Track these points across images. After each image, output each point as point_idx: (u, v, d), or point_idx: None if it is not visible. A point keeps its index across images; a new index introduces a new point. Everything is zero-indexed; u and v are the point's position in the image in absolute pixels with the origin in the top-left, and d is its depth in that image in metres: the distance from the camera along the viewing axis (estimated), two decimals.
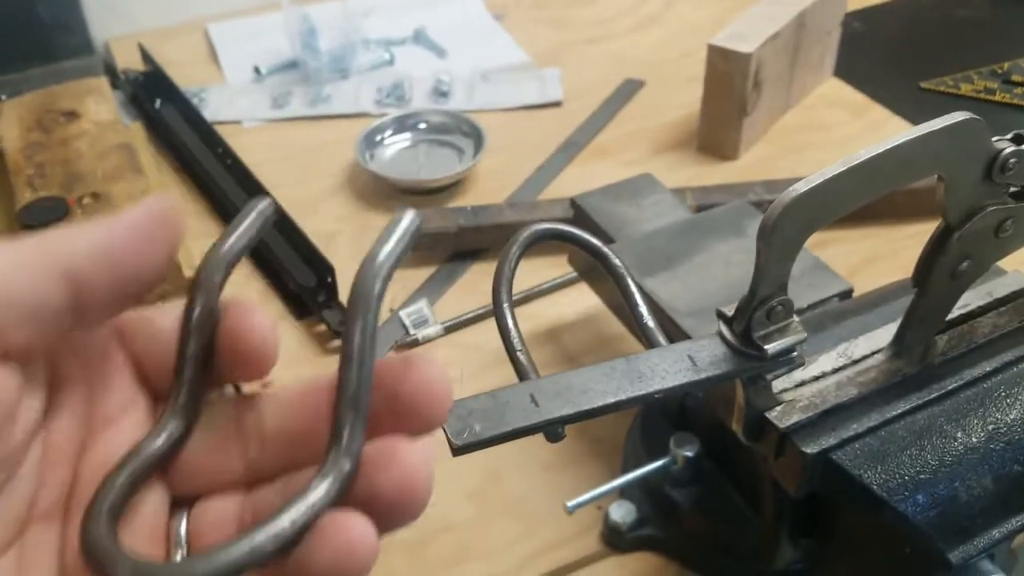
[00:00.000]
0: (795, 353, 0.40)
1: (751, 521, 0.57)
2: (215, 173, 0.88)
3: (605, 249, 0.42)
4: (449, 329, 0.75)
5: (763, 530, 0.55)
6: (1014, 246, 0.44)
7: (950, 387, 0.45)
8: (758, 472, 0.53)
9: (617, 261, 0.41)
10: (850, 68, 1.02)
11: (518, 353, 0.40)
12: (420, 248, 0.80)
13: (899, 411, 0.44)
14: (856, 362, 0.46)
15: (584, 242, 0.42)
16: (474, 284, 0.79)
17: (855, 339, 0.47)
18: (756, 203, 0.79)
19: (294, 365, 0.73)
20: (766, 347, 0.39)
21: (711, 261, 0.60)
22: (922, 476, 0.43)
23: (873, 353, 0.46)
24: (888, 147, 0.36)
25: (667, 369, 0.38)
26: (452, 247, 0.81)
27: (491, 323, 0.75)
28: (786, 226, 0.36)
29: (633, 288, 0.41)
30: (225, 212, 0.87)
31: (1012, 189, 0.42)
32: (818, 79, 1.00)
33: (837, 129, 0.96)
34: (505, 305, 0.41)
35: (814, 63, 0.97)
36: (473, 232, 0.80)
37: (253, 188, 0.86)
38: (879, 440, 0.43)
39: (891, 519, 0.43)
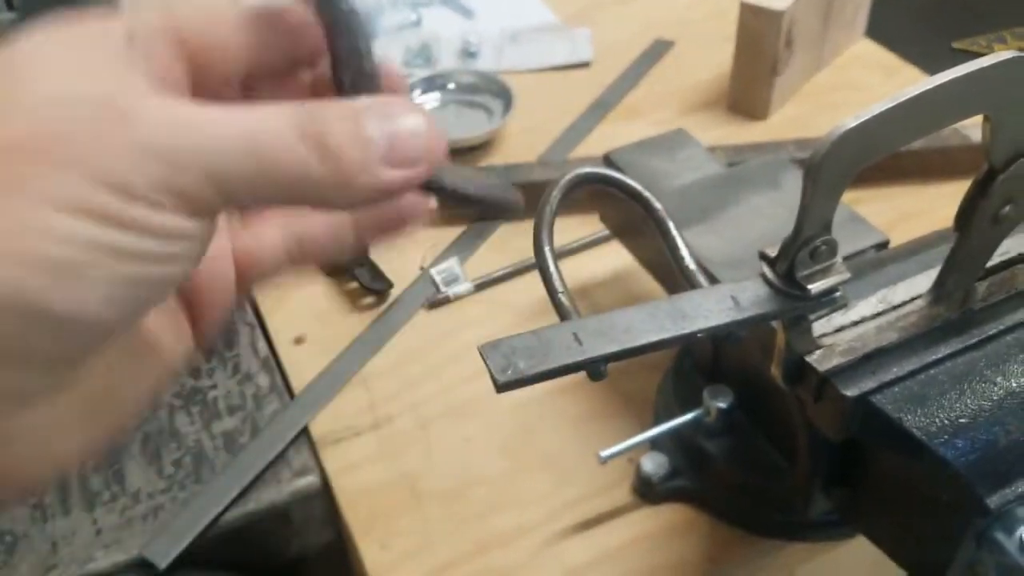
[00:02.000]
0: (838, 293, 0.40)
1: (784, 471, 0.57)
2: None
3: (646, 193, 0.42)
4: (480, 287, 0.75)
5: (797, 479, 0.55)
6: None
7: (991, 332, 0.45)
8: (793, 421, 0.53)
9: (658, 205, 0.41)
10: (882, 28, 1.01)
11: (560, 295, 0.40)
12: (450, 206, 0.80)
13: (939, 355, 0.44)
14: (896, 307, 0.46)
15: (625, 186, 0.42)
16: (505, 242, 0.79)
17: (894, 285, 0.47)
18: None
19: (325, 321, 0.74)
20: (809, 287, 0.39)
21: (746, 213, 0.60)
22: (961, 420, 0.43)
23: (913, 299, 0.46)
24: (937, 83, 0.36)
25: (710, 308, 0.38)
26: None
27: (522, 281, 0.76)
28: (833, 163, 0.36)
29: (674, 231, 0.41)
30: None
31: None
32: (850, 38, 0.99)
33: (869, 90, 0.95)
34: (547, 248, 0.41)
35: (847, 22, 0.96)
36: None
37: None
38: (919, 384, 0.43)
39: (929, 463, 0.43)
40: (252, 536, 0.63)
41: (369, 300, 0.75)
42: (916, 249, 0.50)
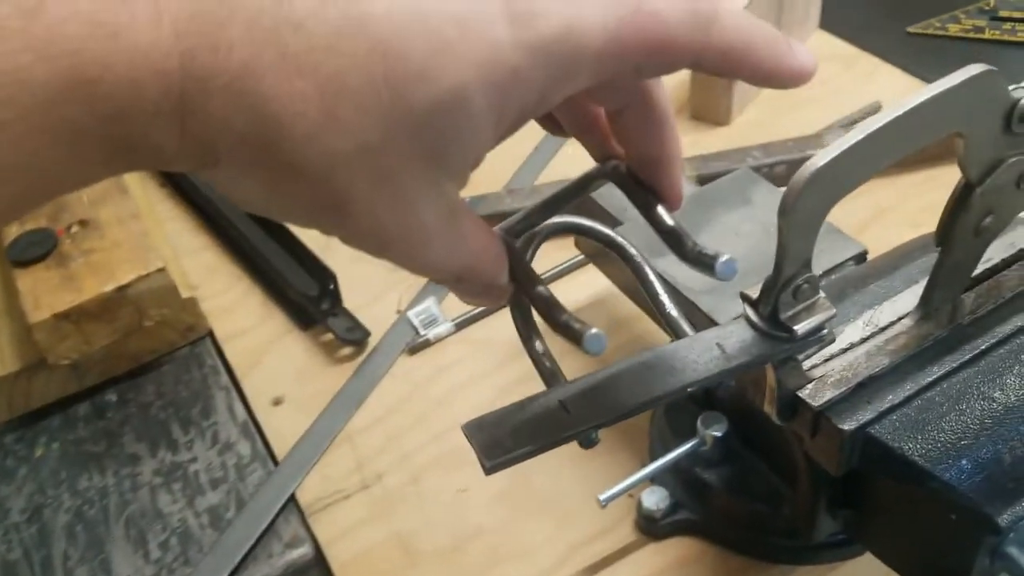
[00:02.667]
0: (825, 331, 0.38)
1: (787, 496, 0.56)
2: (200, 184, 0.87)
3: (620, 239, 0.40)
4: (460, 326, 0.73)
5: (800, 505, 0.53)
6: None
7: (983, 347, 0.44)
8: (791, 447, 0.52)
9: (633, 251, 0.40)
10: (836, 19, 1.00)
11: (542, 357, 0.38)
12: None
13: (933, 377, 0.43)
14: (883, 329, 0.44)
15: (597, 233, 0.41)
16: None
17: (879, 305, 0.46)
18: (756, 168, 0.78)
19: (303, 379, 0.72)
20: (795, 328, 0.37)
21: (721, 233, 0.58)
22: (963, 442, 0.42)
23: (900, 319, 0.45)
24: (905, 109, 0.34)
25: (696, 360, 0.37)
26: None
27: (500, 316, 0.74)
28: (806, 201, 0.34)
29: (652, 277, 0.40)
30: (216, 224, 0.85)
31: None
32: (805, 32, 0.98)
33: (828, 83, 0.94)
34: (530, 311, 0.39)
35: (800, 17, 0.95)
36: None
37: None
38: (916, 409, 0.42)
39: (935, 488, 0.42)
40: None
41: (347, 351, 0.73)
42: (897, 263, 0.49)
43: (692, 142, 0.88)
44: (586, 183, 0.39)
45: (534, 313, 0.39)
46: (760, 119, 0.90)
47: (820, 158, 0.34)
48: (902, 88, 0.92)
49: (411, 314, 0.74)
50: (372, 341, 0.73)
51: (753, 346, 0.38)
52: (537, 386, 0.68)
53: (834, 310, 0.38)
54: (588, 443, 0.36)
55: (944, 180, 0.83)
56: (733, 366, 0.36)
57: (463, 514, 0.62)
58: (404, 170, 0.27)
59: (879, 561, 0.51)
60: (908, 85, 0.92)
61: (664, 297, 0.39)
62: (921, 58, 0.95)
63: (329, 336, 0.74)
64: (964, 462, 0.42)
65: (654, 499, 0.59)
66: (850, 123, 0.87)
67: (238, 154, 0.26)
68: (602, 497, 0.56)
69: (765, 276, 0.55)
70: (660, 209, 0.37)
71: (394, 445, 0.66)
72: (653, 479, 0.59)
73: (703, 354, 0.37)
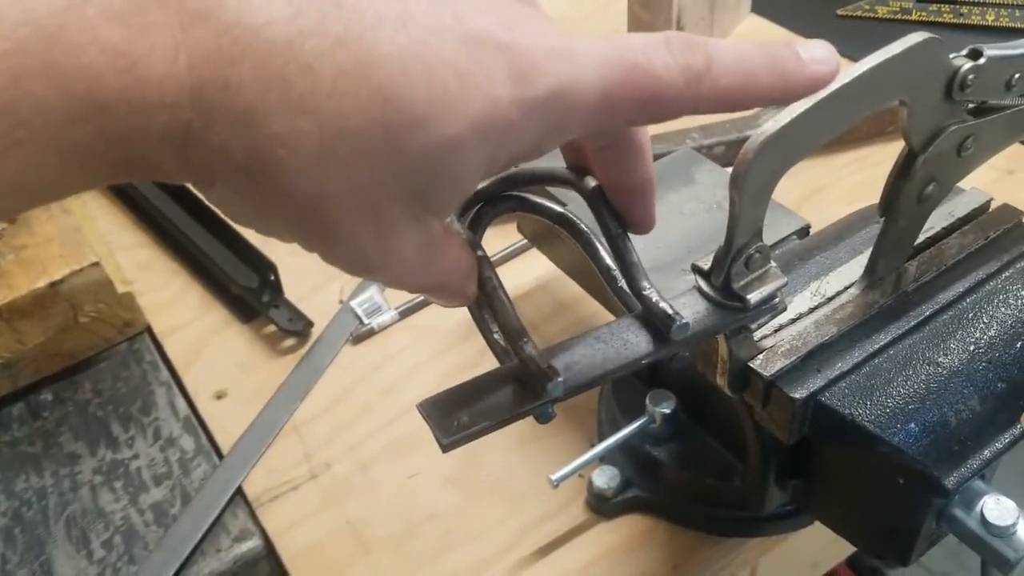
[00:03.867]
0: (777, 299, 0.39)
1: (736, 470, 0.56)
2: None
3: (570, 215, 0.40)
4: (403, 314, 0.73)
5: (750, 477, 0.54)
6: (975, 164, 0.43)
7: (927, 313, 0.45)
8: (739, 420, 0.53)
9: (583, 226, 0.40)
10: (767, 3, 1.02)
11: (493, 335, 0.38)
12: None
13: (880, 344, 0.43)
14: (830, 299, 0.45)
15: (546, 210, 0.40)
16: None
17: (825, 276, 0.46)
18: (696, 149, 0.79)
19: (246, 371, 0.71)
20: (748, 297, 0.38)
21: (665, 213, 0.58)
22: (911, 406, 0.43)
23: (846, 288, 0.45)
24: (852, 77, 0.35)
25: (651, 333, 0.37)
26: None
27: None
28: (757, 170, 0.35)
29: (603, 252, 0.39)
30: (151, 220, 0.83)
31: (970, 106, 0.41)
32: (737, 17, 0.99)
33: None
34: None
35: (731, 3, 0.96)
36: None
37: (176, 190, 0.83)
38: (864, 376, 0.43)
39: (884, 453, 0.43)
40: None
41: (290, 342, 0.72)
42: (840, 234, 0.50)
43: None
44: (554, 181, 0.39)
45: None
46: None
47: (771, 127, 0.34)
48: None
49: (354, 303, 0.73)
50: (315, 332, 0.72)
51: (707, 317, 0.38)
52: (483, 370, 0.68)
53: (785, 279, 0.38)
54: (545, 417, 0.36)
55: (876, 159, 0.85)
56: (688, 336, 0.36)
57: (414, 500, 0.61)
58: (391, 207, 0.28)
59: (827, 531, 0.52)
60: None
61: (616, 272, 0.39)
62: (851, 40, 0.96)
63: (271, 328, 0.73)
64: (912, 426, 0.42)
65: (605, 478, 0.59)
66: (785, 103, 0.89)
67: (233, 180, 0.27)
68: (554, 477, 0.56)
69: (710, 253, 0.55)
70: (629, 241, 0.37)
71: (342, 435, 0.65)
72: (603, 458, 0.59)
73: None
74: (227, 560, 0.60)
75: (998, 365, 0.44)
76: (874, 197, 0.44)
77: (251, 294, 0.74)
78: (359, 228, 0.28)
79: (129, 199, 0.85)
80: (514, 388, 0.35)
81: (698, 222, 0.57)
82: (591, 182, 0.37)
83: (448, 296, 0.36)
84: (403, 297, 0.73)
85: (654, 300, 0.36)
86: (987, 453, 0.43)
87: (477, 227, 0.39)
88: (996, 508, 0.44)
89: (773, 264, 0.38)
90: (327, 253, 0.30)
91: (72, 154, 0.25)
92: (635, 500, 0.59)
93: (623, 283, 0.39)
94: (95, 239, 0.74)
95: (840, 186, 0.80)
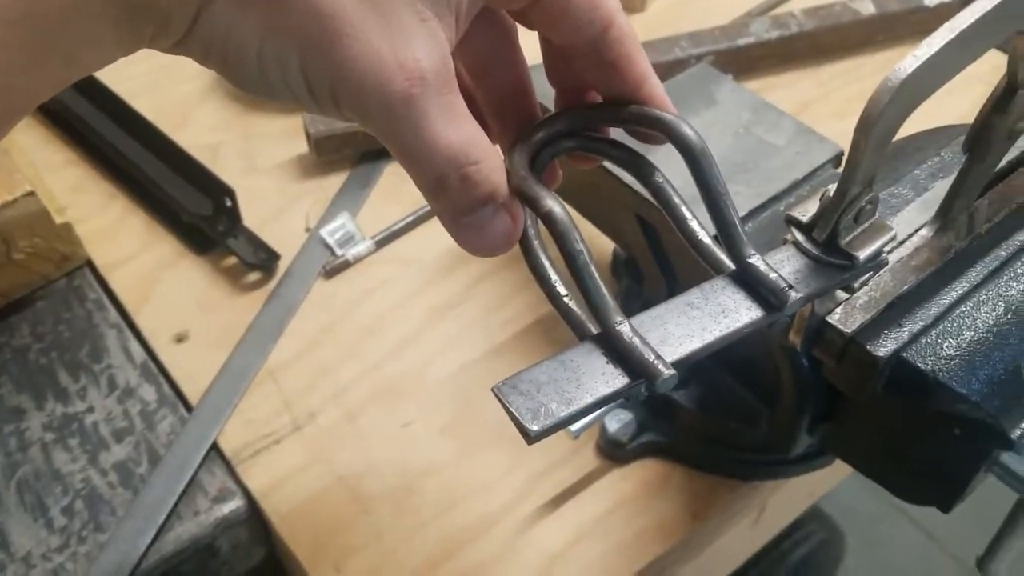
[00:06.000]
0: (884, 254, 0.34)
1: (762, 413, 0.53)
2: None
3: (642, 155, 0.35)
4: (380, 243, 0.66)
5: (781, 423, 0.51)
6: None
7: (1004, 257, 0.41)
8: (768, 364, 0.49)
9: (656, 169, 0.34)
10: None
11: (565, 300, 0.32)
12: (324, 152, 0.71)
13: (959, 293, 0.40)
14: (902, 243, 0.41)
15: (610, 151, 0.35)
16: (395, 187, 0.71)
17: (893, 217, 0.42)
18: (685, 59, 0.73)
19: (207, 309, 0.64)
20: (857, 253, 0.33)
21: None
22: (984, 357, 0.40)
23: (917, 230, 0.42)
24: (992, 5, 0.30)
25: (750, 296, 0.32)
26: (361, 146, 0.71)
27: (426, 230, 0.68)
28: (890, 112, 0.30)
29: (676, 199, 0.34)
30: (81, 137, 0.73)
31: None
32: None
33: None
34: (535, 243, 0.33)
35: None
36: None
37: (108, 103, 0.73)
38: (945, 330, 0.40)
39: (957, 406, 0.40)
40: None
41: (254, 277, 0.65)
42: (895, 166, 0.46)
43: None
44: (643, 121, 0.34)
45: (550, 247, 0.33)
46: (673, 4, 0.85)
47: (910, 63, 0.29)
48: None
49: (324, 232, 0.67)
50: (283, 265, 0.65)
51: (810, 276, 0.33)
52: (475, 305, 0.63)
53: (894, 230, 0.34)
54: (637, 398, 0.31)
55: (866, 70, 0.80)
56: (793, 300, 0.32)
57: (410, 451, 0.57)
58: (395, 1, 0.28)
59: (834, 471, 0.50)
60: None
61: (694, 223, 0.34)
62: None
63: (231, 260, 0.66)
64: (984, 376, 0.40)
65: (619, 422, 0.55)
66: (763, 10, 0.84)
67: None
68: (574, 428, 0.52)
69: (743, 185, 0.51)
70: (731, 200, 0.33)
71: (324, 380, 0.60)
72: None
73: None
74: (207, 524, 0.54)
75: None
76: None
77: (204, 222, 0.66)
78: (370, 23, 0.27)
79: (48, 110, 0.75)
80: (603, 366, 0.31)
81: (726, 148, 0.52)
82: (688, 131, 0.32)
83: (473, 192, 0.30)
84: (378, 225, 0.67)
85: (762, 270, 0.31)
86: None
87: (536, 168, 0.34)
88: None
89: (878, 214, 0.34)
90: (341, 69, 0.27)
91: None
92: (651, 445, 0.56)
93: (703, 237, 0.34)
94: (22, 162, 0.65)
95: (831, 99, 0.76)
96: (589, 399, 0.30)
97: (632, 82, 0.33)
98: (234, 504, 0.55)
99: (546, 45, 0.34)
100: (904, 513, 1.39)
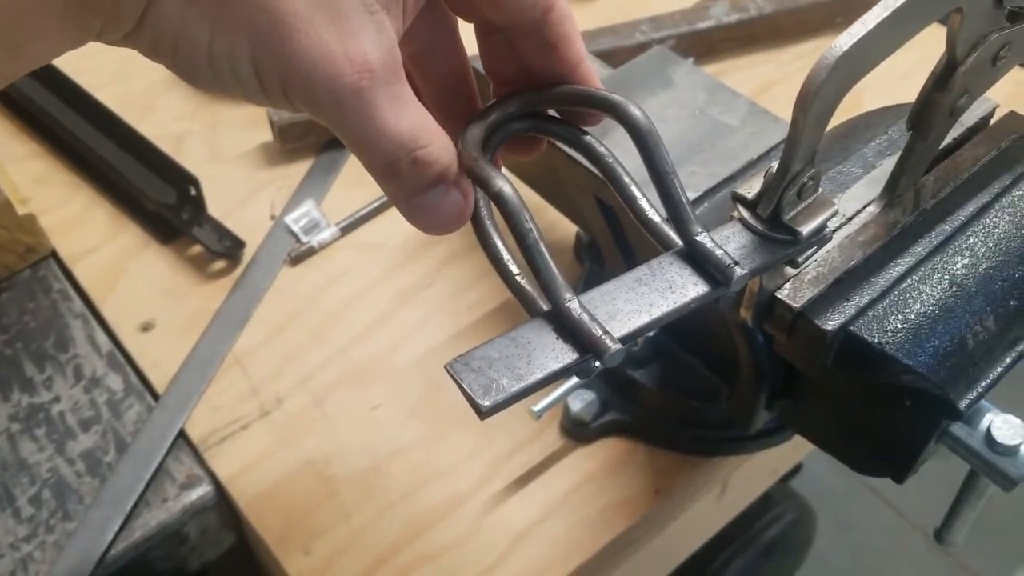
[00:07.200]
0: (828, 229, 0.35)
1: (722, 390, 0.54)
2: (21, 84, 0.74)
3: (591, 138, 0.35)
4: (345, 230, 0.67)
5: (740, 399, 0.52)
6: (1004, 72, 0.40)
7: (948, 232, 0.42)
8: (727, 342, 0.50)
9: (605, 151, 0.35)
10: None
11: (517, 279, 0.33)
12: (288, 140, 0.71)
13: (905, 267, 0.41)
14: (850, 219, 0.42)
15: (562, 133, 0.36)
16: (359, 173, 0.70)
17: (842, 193, 0.43)
18: (646, 43, 0.74)
19: (173, 297, 0.64)
20: (800, 228, 0.34)
21: None
22: (932, 330, 0.41)
23: (865, 207, 0.43)
24: None
25: (696, 272, 0.33)
26: (325, 133, 0.72)
27: (389, 216, 0.68)
28: (828, 89, 0.31)
29: (626, 179, 0.35)
30: (45, 128, 0.73)
31: (1008, 11, 0.38)
32: None
33: None
34: (488, 223, 0.34)
35: None
36: None
37: (71, 94, 0.73)
38: (891, 303, 0.40)
39: (904, 378, 0.41)
40: (144, 567, 0.55)
41: (219, 265, 0.66)
42: (845, 144, 0.47)
43: None
44: (591, 102, 0.34)
45: (501, 227, 0.33)
46: None
47: (845, 41, 0.30)
48: None
49: (288, 220, 0.67)
50: (248, 253, 0.66)
51: (755, 252, 0.34)
52: (441, 290, 0.64)
53: (836, 206, 0.35)
54: (587, 372, 0.32)
55: None
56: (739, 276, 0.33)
57: (378, 434, 0.57)
58: None
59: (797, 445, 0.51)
60: None
61: (643, 202, 0.35)
62: None
63: (196, 249, 0.66)
64: (931, 349, 0.41)
65: (582, 402, 0.56)
66: None
67: None
68: (536, 408, 0.53)
69: (699, 165, 0.52)
70: (678, 179, 0.34)
71: (290, 366, 0.60)
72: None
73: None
74: (175, 510, 0.55)
75: (1011, 283, 0.43)
76: None
77: (170, 211, 0.66)
78: (319, 17, 0.27)
79: (11, 102, 0.75)
80: (553, 342, 0.31)
81: (682, 129, 0.53)
82: (635, 111, 0.33)
83: (424, 172, 0.31)
84: (343, 212, 0.67)
85: (709, 246, 0.32)
86: (998, 371, 0.42)
87: (487, 150, 0.35)
88: (1004, 427, 0.43)
89: (821, 189, 0.35)
90: (290, 62, 0.28)
91: None
92: (613, 424, 0.56)
93: (652, 215, 0.35)
94: None
95: (792, 81, 0.77)
96: (539, 374, 0.31)
97: (570, 63, 0.33)
98: (202, 490, 0.55)
99: (483, 35, 0.35)
100: (875, 492, 1.41)
